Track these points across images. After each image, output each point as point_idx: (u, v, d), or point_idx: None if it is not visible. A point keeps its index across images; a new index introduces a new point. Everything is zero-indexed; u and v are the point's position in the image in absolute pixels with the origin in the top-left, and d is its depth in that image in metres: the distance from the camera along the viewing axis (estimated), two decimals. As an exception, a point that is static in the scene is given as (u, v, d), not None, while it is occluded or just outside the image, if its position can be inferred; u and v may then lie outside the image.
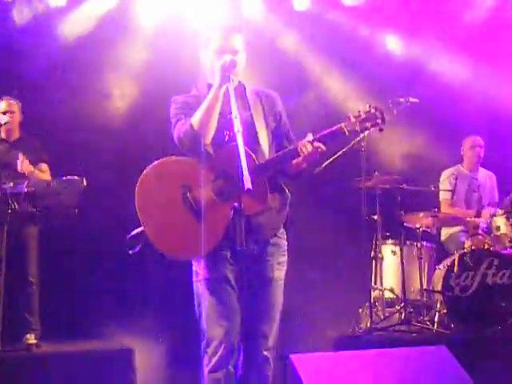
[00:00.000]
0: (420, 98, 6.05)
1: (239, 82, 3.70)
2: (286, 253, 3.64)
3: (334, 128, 3.43)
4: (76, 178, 5.51)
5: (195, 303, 3.57)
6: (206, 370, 3.46)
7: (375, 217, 6.26)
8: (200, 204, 3.43)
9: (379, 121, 3.40)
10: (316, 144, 3.40)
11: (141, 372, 5.18)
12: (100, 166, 6.20)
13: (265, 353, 3.50)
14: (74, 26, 6.74)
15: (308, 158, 3.44)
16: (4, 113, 5.62)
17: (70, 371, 4.90)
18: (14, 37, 6.55)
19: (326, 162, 6.01)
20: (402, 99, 6.00)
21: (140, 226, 3.51)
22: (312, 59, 7.25)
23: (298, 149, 3.43)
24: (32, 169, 5.44)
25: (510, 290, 5.77)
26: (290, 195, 3.65)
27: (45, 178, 5.54)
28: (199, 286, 3.54)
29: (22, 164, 5.37)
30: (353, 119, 3.41)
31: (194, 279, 3.58)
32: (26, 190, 5.30)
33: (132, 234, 3.54)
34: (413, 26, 7.23)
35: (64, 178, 5.42)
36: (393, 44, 7.40)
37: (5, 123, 5.52)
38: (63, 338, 5.62)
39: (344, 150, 6.01)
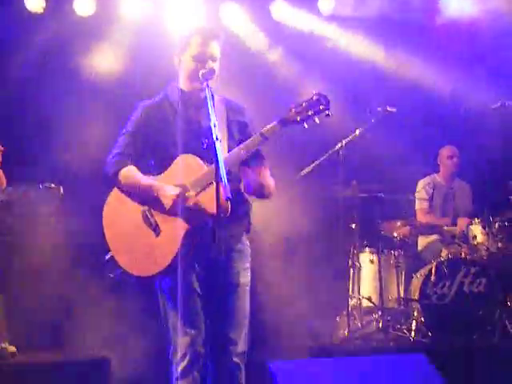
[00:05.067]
0: (398, 107, 6.10)
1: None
2: (249, 259, 3.67)
3: (274, 122, 3.44)
4: (53, 185, 5.47)
5: (161, 311, 3.58)
6: (173, 377, 3.49)
7: (353, 225, 6.27)
8: (157, 219, 3.48)
9: (322, 107, 3.36)
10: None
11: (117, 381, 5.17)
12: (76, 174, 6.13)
13: (235, 359, 3.50)
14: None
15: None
16: None
17: (45, 381, 4.88)
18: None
19: (305, 171, 6.03)
20: (379, 108, 6.07)
21: None
22: (288, 68, 7.26)
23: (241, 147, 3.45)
24: None
25: (486, 298, 5.81)
26: (251, 204, 3.70)
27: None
28: (164, 296, 3.56)
29: None
30: (293, 109, 3.41)
31: (158, 288, 3.59)
32: (1, 197, 5.25)
33: (106, 258, 3.54)
34: (392, 36, 7.25)
35: (41, 186, 5.38)
36: (373, 53, 7.41)
37: None
38: (39, 347, 5.57)
39: (322, 158, 6.03)
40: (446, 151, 7.06)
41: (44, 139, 6.32)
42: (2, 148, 5.27)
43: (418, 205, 6.94)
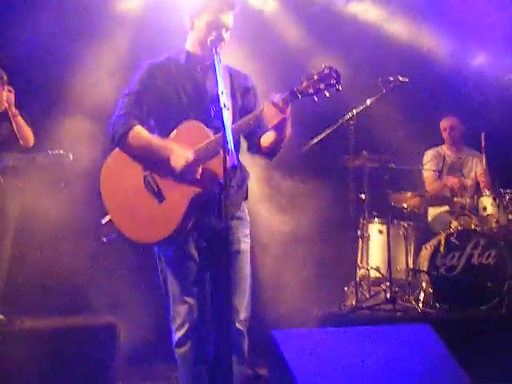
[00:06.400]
0: (410, 78, 6.04)
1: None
2: (249, 225, 3.69)
3: (287, 92, 3.37)
4: (62, 152, 5.46)
5: (160, 279, 3.60)
6: (172, 343, 3.53)
7: (362, 196, 6.25)
8: (160, 185, 3.46)
9: (334, 81, 3.31)
10: (277, 103, 3.33)
11: (125, 347, 5.22)
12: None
13: (238, 325, 3.52)
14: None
15: (273, 123, 3.39)
16: None
17: (55, 345, 4.93)
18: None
19: (315, 140, 5.99)
20: (391, 78, 6.00)
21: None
22: (302, 40, 7.18)
23: (260, 112, 3.40)
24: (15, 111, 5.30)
25: (495, 270, 5.80)
26: (249, 173, 3.71)
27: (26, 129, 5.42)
28: (163, 263, 3.57)
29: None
30: (305, 82, 3.35)
31: (157, 255, 3.60)
32: (11, 163, 5.25)
33: (103, 221, 3.53)
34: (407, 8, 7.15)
35: (49, 152, 5.37)
36: (385, 22, 7.32)
37: None
38: (48, 312, 5.62)
39: (333, 128, 5.99)
40: (443, 123, 7.05)
41: (53, 105, 6.29)
42: (12, 90, 5.28)
43: (425, 174, 6.92)
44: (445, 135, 7.03)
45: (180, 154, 3.38)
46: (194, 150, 3.40)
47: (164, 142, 3.47)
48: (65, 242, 5.90)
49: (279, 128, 3.45)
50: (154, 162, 3.46)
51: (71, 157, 5.47)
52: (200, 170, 3.38)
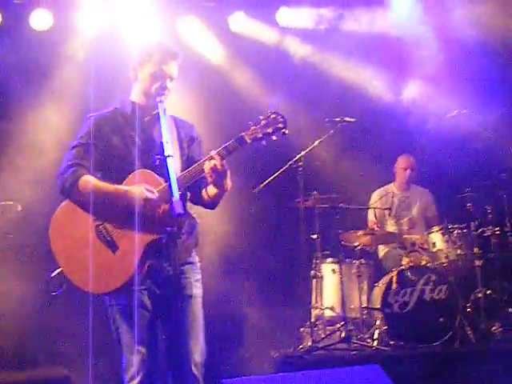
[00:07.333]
0: (356, 118, 6.15)
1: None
2: (200, 271, 3.69)
3: (235, 138, 3.44)
4: (10, 202, 5.41)
5: (112, 328, 3.56)
6: None
7: (314, 236, 6.29)
8: (113, 235, 3.45)
9: (281, 125, 3.42)
10: (216, 156, 3.39)
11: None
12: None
13: (193, 369, 3.49)
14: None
15: (215, 176, 3.42)
16: None
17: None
18: None
19: (265, 183, 6.05)
20: (337, 119, 6.12)
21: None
22: (246, 80, 7.27)
23: (203, 165, 3.43)
24: None
25: (447, 305, 5.86)
26: (197, 221, 3.72)
27: None
28: (115, 312, 3.54)
29: None
30: (253, 126, 3.43)
31: (108, 303, 3.57)
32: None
33: (52, 275, 3.50)
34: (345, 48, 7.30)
35: (-2, 203, 5.32)
36: (328, 65, 7.45)
37: None
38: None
39: (281, 170, 6.06)
40: (401, 161, 7.13)
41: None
42: None
43: (369, 214, 7.01)
44: (401, 174, 7.08)
45: (139, 189, 3.40)
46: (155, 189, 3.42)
47: (117, 186, 3.47)
48: (13, 293, 5.79)
49: (218, 181, 3.49)
50: (105, 211, 3.46)
51: (19, 207, 5.42)
52: (163, 207, 3.38)
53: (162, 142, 3.23)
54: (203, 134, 3.90)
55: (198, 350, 3.53)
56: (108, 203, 3.44)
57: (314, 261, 6.37)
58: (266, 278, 6.60)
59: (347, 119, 6.15)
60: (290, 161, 6.07)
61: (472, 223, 6.23)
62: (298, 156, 6.05)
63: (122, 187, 3.45)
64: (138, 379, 3.43)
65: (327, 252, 6.51)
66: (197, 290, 3.63)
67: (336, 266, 6.37)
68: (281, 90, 6.87)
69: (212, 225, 6.04)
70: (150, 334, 3.50)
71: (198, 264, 3.72)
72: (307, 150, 6.11)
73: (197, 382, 3.51)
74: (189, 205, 3.75)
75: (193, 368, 3.49)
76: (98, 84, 6.02)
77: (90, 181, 3.48)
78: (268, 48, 7.23)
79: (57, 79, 6.61)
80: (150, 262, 3.45)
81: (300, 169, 6.03)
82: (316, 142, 6.14)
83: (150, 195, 3.39)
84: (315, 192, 6.18)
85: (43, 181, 5.71)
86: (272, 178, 6.06)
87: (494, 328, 5.84)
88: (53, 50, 6.63)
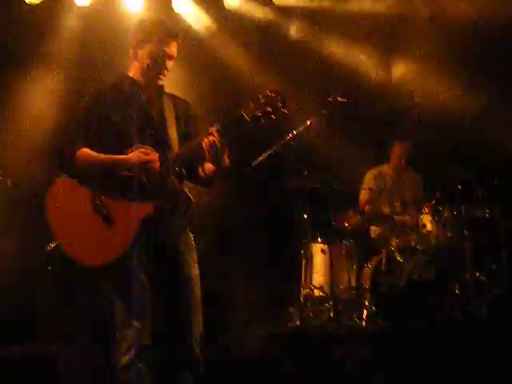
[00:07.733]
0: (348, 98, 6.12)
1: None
2: (195, 251, 3.68)
3: (233, 115, 3.39)
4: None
5: (106, 302, 3.54)
6: (117, 367, 3.46)
7: (305, 216, 6.28)
8: (109, 208, 3.44)
9: (280, 105, 3.37)
10: (215, 133, 3.36)
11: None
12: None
13: (193, 344, 3.50)
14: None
15: (213, 152, 3.39)
16: None
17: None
18: None
19: (256, 162, 6.01)
20: (330, 98, 6.07)
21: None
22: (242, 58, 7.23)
23: (202, 142, 3.39)
24: None
25: (436, 286, 5.89)
26: (193, 199, 3.69)
27: None
28: (110, 285, 3.53)
29: None
30: (252, 105, 3.37)
31: (102, 277, 3.56)
32: None
33: (47, 249, 3.50)
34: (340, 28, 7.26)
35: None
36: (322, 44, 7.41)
37: None
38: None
39: (273, 149, 6.02)
40: (398, 149, 7.01)
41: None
42: None
43: (361, 195, 6.99)
44: (395, 160, 7.01)
45: (136, 154, 3.41)
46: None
47: (116, 156, 3.45)
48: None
49: (216, 158, 3.46)
50: (102, 184, 3.45)
51: (9, 183, 5.37)
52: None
53: (159, 119, 3.25)
54: (198, 112, 3.86)
55: (198, 326, 3.55)
56: (105, 175, 3.44)
57: (303, 240, 6.38)
58: (255, 258, 6.59)
59: (339, 99, 6.10)
60: (281, 140, 6.03)
61: (462, 205, 6.25)
62: (289, 135, 6.01)
63: (120, 156, 3.44)
64: (131, 354, 3.41)
65: (317, 232, 6.52)
66: (195, 271, 3.62)
67: (325, 247, 6.38)
68: (274, 68, 6.83)
69: (204, 204, 6.01)
70: (145, 309, 3.48)
71: (194, 245, 3.70)
72: (299, 129, 6.07)
73: (197, 358, 3.53)
74: (185, 183, 3.73)
75: (193, 343, 3.51)
76: (92, 61, 6.02)
77: (87, 152, 3.47)
78: (263, 26, 7.17)
79: (50, 50, 6.55)
80: (146, 237, 3.43)
81: (291, 148, 6.01)
82: (308, 122, 6.10)
83: (148, 157, 3.39)
84: (306, 172, 6.16)
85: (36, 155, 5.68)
86: (263, 157, 6.02)
87: (481, 310, 5.87)
88: (44, 24, 6.56)
